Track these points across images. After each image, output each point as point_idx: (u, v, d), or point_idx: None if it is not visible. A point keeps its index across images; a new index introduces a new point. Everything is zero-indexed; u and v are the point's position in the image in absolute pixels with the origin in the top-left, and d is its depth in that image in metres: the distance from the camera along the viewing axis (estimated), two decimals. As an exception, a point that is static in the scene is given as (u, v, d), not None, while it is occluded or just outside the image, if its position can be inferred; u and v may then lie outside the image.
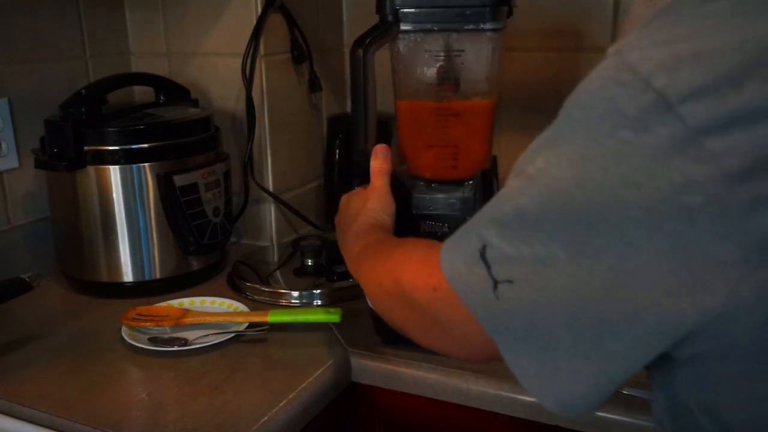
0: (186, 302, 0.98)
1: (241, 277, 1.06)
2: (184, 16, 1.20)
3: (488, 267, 0.46)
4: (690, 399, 0.46)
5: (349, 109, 1.31)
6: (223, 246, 1.12)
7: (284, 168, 1.24)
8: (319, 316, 0.91)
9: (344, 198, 0.85)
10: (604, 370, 0.44)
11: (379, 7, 0.85)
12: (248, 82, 1.15)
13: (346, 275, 1.03)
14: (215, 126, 1.11)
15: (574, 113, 0.43)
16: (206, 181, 1.04)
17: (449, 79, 0.87)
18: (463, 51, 0.85)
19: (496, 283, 0.46)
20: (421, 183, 0.89)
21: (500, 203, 0.47)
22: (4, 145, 1.07)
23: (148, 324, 0.91)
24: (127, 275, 1.03)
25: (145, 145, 1.00)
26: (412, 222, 0.89)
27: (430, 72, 0.87)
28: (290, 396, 0.77)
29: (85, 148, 0.99)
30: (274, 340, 0.89)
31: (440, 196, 0.88)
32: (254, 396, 0.77)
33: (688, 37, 0.39)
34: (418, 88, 0.88)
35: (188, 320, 0.92)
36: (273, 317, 0.90)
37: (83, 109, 0.99)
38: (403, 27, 0.85)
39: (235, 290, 1.05)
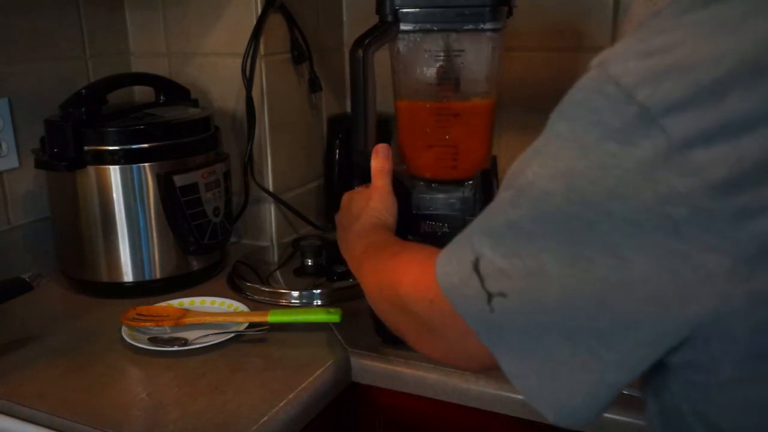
0: (186, 302, 0.98)
1: (241, 277, 1.06)
2: (184, 16, 1.20)
3: (481, 279, 0.47)
4: (683, 404, 0.46)
5: (349, 109, 1.31)
6: (223, 246, 1.12)
7: (284, 168, 1.24)
8: (319, 316, 0.91)
9: (346, 196, 0.85)
10: (602, 379, 0.44)
11: (379, 7, 0.85)
12: (248, 82, 1.15)
13: (346, 275, 1.03)
14: (215, 126, 1.11)
15: (560, 125, 0.44)
16: (206, 181, 1.04)
17: (449, 79, 0.87)
18: (462, 51, 0.85)
19: (490, 296, 0.46)
20: (421, 183, 0.89)
21: (492, 215, 0.48)
22: (4, 145, 1.07)
23: (148, 324, 0.91)
24: (127, 275, 1.03)
25: (145, 145, 1.00)
26: (411, 222, 0.89)
27: (430, 72, 0.87)
28: (290, 396, 0.77)
29: (85, 148, 0.99)
30: (274, 340, 0.89)
31: (440, 196, 0.88)
32: (254, 396, 0.77)
33: (669, 48, 0.39)
34: (418, 88, 0.88)
35: (188, 320, 0.92)
36: (273, 317, 0.90)
37: (83, 109, 0.99)
38: (403, 27, 0.85)
39: (235, 290, 1.05)
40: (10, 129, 1.07)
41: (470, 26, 0.83)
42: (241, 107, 1.18)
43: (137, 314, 0.93)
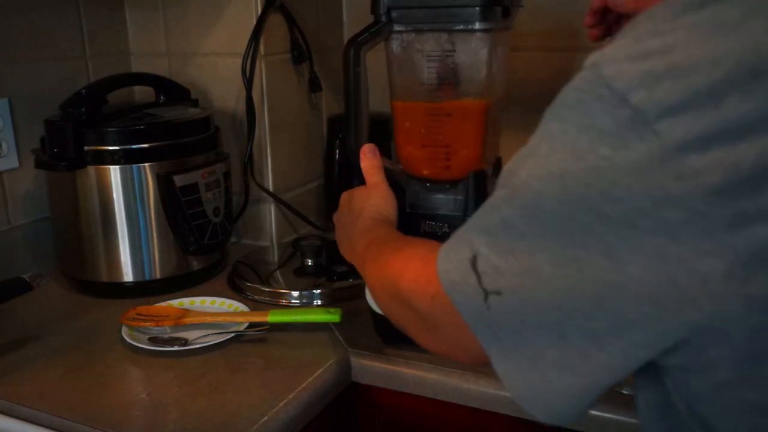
0: (186, 302, 0.98)
1: (241, 277, 1.06)
2: (184, 16, 1.20)
3: (479, 277, 0.47)
4: (679, 404, 0.46)
5: (349, 109, 1.31)
6: (223, 246, 1.12)
7: (284, 168, 1.24)
8: (319, 316, 0.91)
9: (345, 195, 0.85)
10: (591, 381, 0.44)
11: (373, 7, 0.85)
12: (248, 82, 1.15)
13: (346, 275, 1.03)
14: (215, 126, 1.11)
15: (553, 126, 0.43)
16: (206, 181, 1.04)
17: (442, 79, 0.87)
18: (455, 51, 0.85)
19: (486, 294, 0.46)
20: (416, 182, 0.89)
21: (488, 213, 0.48)
22: (4, 145, 1.07)
23: (148, 324, 0.91)
24: (127, 275, 1.03)
25: (145, 145, 1.00)
26: (405, 220, 0.89)
27: (423, 72, 0.87)
28: (290, 396, 0.77)
29: (85, 148, 0.99)
30: (274, 340, 0.89)
31: (434, 195, 0.88)
32: (254, 396, 0.77)
33: (664, 51, 0.39)
34: (412, 87, 0.88)
35: (188, 320, 0.92)
36: (273, 317, 0.90)
37: (83, 109, 0.99)
38: (396, 27, 0.85)
39: (235, 290, 1.05)
40: (10, 129, 1.07)
41: (461, 26, 0.83)
42: (241, 107, 1.18)
43: (137, 314, 0.93)
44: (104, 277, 1.03)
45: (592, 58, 0.42)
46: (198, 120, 1.07)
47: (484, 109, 0.87)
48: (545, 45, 1.21)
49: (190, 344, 0.87)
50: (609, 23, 0.78)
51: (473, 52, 0.85)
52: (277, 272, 1.12)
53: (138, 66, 1.27)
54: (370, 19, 0.86)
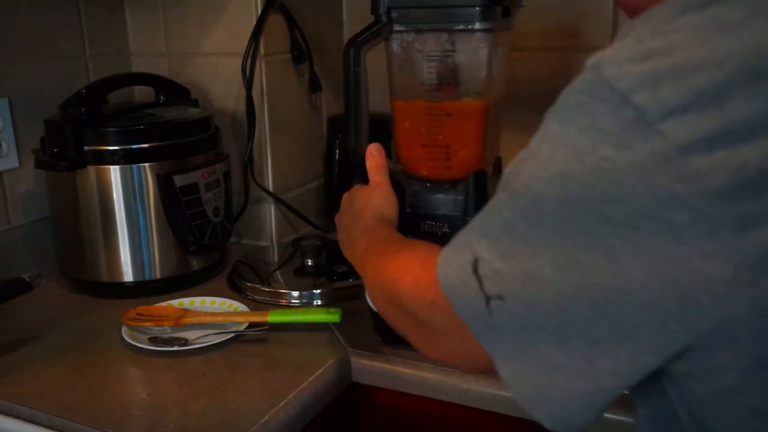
0: (186, 302, 0.98)
1: (241, 277, 1.06)
2: (184, 16, 1.20)
3: (480, 282, 0.46)
4: (680, 410, 0.46)
5: (349, 109, 1.31)
6: (223, 246, 1.12)
7: (284, 168, 1.24)
8: (319, 316, 0.91)
9: (346, 196, 0.85)
10: (598, 387, 0.44)
11: (374, 7, 0.85)
12: (248, 82, 1.15)
13: (346, 275, 1.03)
14: (215, 126, 1.11)
15: (554, 128, 0.43)
16: (206, 181, 1.04)
17: (442, 79, 0.87)
18: (455, 51, 0.85)
19: (488, 298, 0.46)
20: (416, 182, 0.89)
21: (488, 216, 0.47)
22: (4, 145, 1.07)
23: (148, 324, 0.91)
24: (127, 275, 1.03)
25: (145, 145, 1.00)
26: (405, 220, 0.89)
27: (423, 72, 0.87)
28: (290, 396, 0.77)
29: (85, 148, 0.99)
30: (274, 340, 0.89)
31: (434, 195, 0.88)
32: (254, 396, 0.77)
33: (666, 51, 0.39)
34: (412, 87, 0.88)
35: (188, 320, 0.92)
36: (273, 317, 0.90)
37: (83, 109, 0.99)
38: (396, 27, 0.85)
39: (235, 290, 1.05)
40: (10, 129, 1.07)
41: (461, 26, 0.83)
42: (241, 107, 1.18)
43: (137, 314, 0.93)
44: (104, 277, 1.03)
45: (593, 59, 0.42)
46: (198, 120, 1.07)
47: (484, 109, 0.87)
48: (545, 45, 1.21)
49: (190, 344, 0.87)
50: None
51: (473, 52, 0.85)
52: (277, 272, 1.12)
53: (138, 66, 1.27)
54: (370, 19, 0.86)
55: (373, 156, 0.83)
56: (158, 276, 1.04)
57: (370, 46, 0.84)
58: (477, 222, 0.49)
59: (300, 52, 1.23)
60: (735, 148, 0.37)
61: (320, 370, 0.82)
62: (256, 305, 0.99)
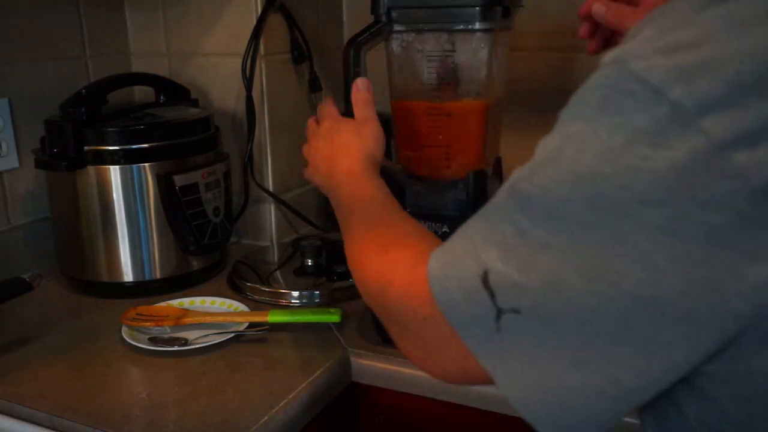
0: (186, 302, 0.98)
1: (241, 277, 1.06)
2: (184, 16, 1.20)
3: (492, 295, 0.42)
4: (690, 416, 0.44)
5: (349, 109, 1.31)
6: (223, 246, 1.12)
7: (284, 168, 1.24)
8: (319, 316, 0.91)
9: (329, 123, 0.78)
10: (618, 406, 0.41)
11: (373, 7, 0.85)
12: (248, 82, 1.15)
13: (346, 275, 1.03)
14: (215, 126, 1.11)
15: (577, 127, 0.40)
16: (206, 181, 1.04)
17: (442, 79, 0.87)
18: (455, 51, 0.85)
19: (500, 313, 0.42)
20: (416, 182, 0.89)
21: (495, 223, 0.44)
22: (4, 145, 1.06)
23: (148, 324, 0.91)
24: (127, 275, 1.03)
25: (145, 145, 1.00)
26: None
27: (423, 72, 0.87)
28: (290, 396, 0.77)
29: (85, 148, 0.99)
30: (274, 340, 0.89)
31: (434, 195, 0.88)
32: (254, 396, 0.77)
33: (699, 42, 0.37)
34: (412, 87, 0.88)
35: (188, 320, 0.92)
36: (273, 317, 0.90)
37: (83, 109, 0.99)
38: (396, 27, 0.85)
39: (235, 290, 1.05)
40: (10, 129, 1.07)
41: (461, 26, 0.83)
42: (241, 107, 1.18)
43: (137, 314, 0.93)
44: (104, 277, 1.03)
45: (612, 54, 0.39)
46: (198, 120, 1.07)
47: (484, 109, 0.87)
48: (545, 45, 1.21)
49: (190, 344, 0.87)
50: (605, 34, 0.76)
51: (473, 52, 0.85)
52: (277, 272, 1.12)
53: (138, 66, 1.27)
54: (370, 19, 0.86)
55: (360, 90, 0.77)
56: (158, 276, 1.04)
57: (370, 46, 0.84)
58: (478, 230, 0.45)
59: (300, 52, 1.23)
60: None
61: (320, 370, 0.82)
62: (256, 305, 0.99)
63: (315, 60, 1.26)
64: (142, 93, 1.23)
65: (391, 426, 0.89)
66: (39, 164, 1.02)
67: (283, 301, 1.00)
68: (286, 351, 0.87)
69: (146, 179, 1.00)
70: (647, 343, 0.38)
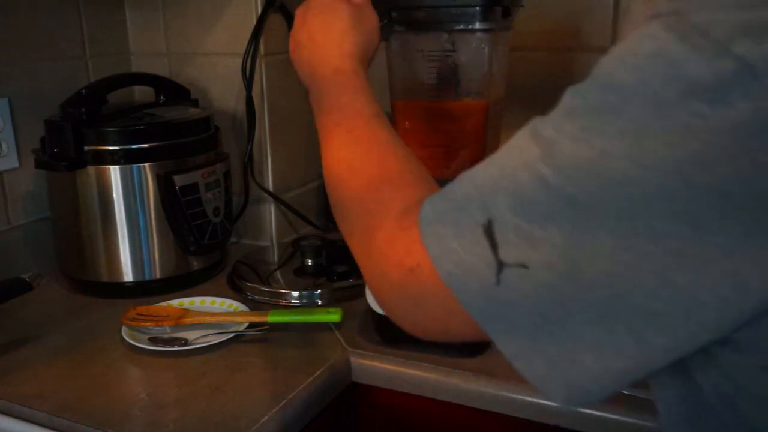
0: (186, 302, 0.98)
1: (241, 277, 1.06)
2: (184, 16, 1.20)
3: (494, 246, 0.40)
4: (714, 391, 0.42)
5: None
6: (223, 246, 1.12)
7: (284, 168, 1.24)
8: (319, 316, 0.91)
9: (317, 1, 0.71)
10: (639, 365, 0.39)
11: (374, 7, 0.85)
12: (248, 82, 1.15)
13: (346, 275, 1.03)
14: (215, 126, 1.11)
15: (621, 77, 0.37)
16: (206, 181, 1.04)
17: (441, 79, 0.87)
18: (455, 51, 0.85)
19: (501, 266, 0.40)
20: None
21: (511, 170, 0.40)
22: (4, 145, 1.06)
23: (148, 324, 0.91)
24: (127, 275, 1.03)
25: (145, 145, 1.00)
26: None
27: (423, 72, 0.87)
28: (290, 396, 0.77)
29: (85, 148, 0.99)
30: (274, 340, 0.89)
31: None
32: (254, 396, 0.77)
33: (764, 4, 0.34)
34: (412, 87, 0.89)
35: (188, 320, 0.92)
36: (273, 317, 0.90)
37: (83, 109, 0.99)
38: (396, 27, 0.85)
39: (235, 290, 1.05)
40: (10, 129, 1.07)
41: (461, 26, 0.83)
42: (241, 107, 1.18)
43: (137, 314, 0.93)
44: (104, 277, 1.03)
45: (668, 6, 0.37)
46: (198, 120, 1.07)
47: (484, 109, 0.87)
48: (545, 45, 1.21)
49: (190, 344, 0.87)
50: None
51: (473, 52, 0.85)
52: (277, 272, 1.12)
53: (138, 66, 1.27)
54: (370, 19, 0.86)
55: None
56: (158, 276, 1.04)
57: (371, 46, 0.84)
58: (487, 177, 0.42)
59: (300, 52, 1.22)
60: None
61: (320, 370, 0.82)
62: (256, 305, 0.99)
63: (315, 60, 1.26)
64: (142, 93, 1.23)
65: (391, 426, 0.89)
66: (39, 164, 1.02)
67: (283, 301, 1.00)
68: (286, 351, 0.87)
69: (146, 179, 1.00)
70: (681, 301, 0.36)
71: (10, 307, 0.91)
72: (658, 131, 0.35)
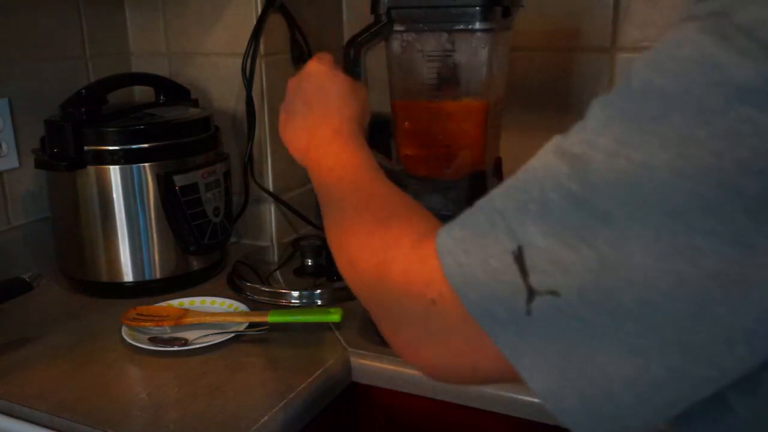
0: (186, 302, 0.98)
1: (241, 277, 1.06)
2: (184, 16, 1.20)
3: (524, 273, 0.37)
4: (744, 412, 0.39)
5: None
6: (223, 246, 1.12)
7: (284, 168, 1.24)
8: (319, 316, 0.91)
9: (318, 68, 0.71)
10: (679, 397, 0.37)
11: (373, 7, 0.85)
12: (248, 82, 1.15)
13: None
14: (215, 126, 1.11)
15: (662, 83, 0.35)
16: (206, 181, 1.04)
17: (442, 79, 0.87)
18: (454, 51, 0.85)
19: (532, 294, 0.37)
20: (416, 182, 0.89)
21: (538, 191, 0.38)
22: (4, 145, 1.07)
23: (148, 324, 0.91)
24: (127, 275, 1.03)
25: (145, 145, 1.00)
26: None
27: (423, 72, 0.87)
28: (290, 396, 0.77)
29: (85, 148, 0.99)
30: (274, 340, 0.89)
31: (434, 195, 0.88)
32: (254, 396, 0.77)
33: None
34: (412, 87, 0.89)
35: (188, 320, 0.92)
36: (273, 317, 0.90)
37: (83, 109, 0.99)
38: (396, 27, 0.85)
39: (235, 290, 1.05)
40: (10, 129, 1.07)
41: (461, 26, 0.83)
42: (241, 107, 1.18)
43: (137, 314, 0.93)
44: (104, 277, 1.03)
45: (706, 6, 0.35)
46: (198, 120, 1.07)
47: (484, 109, 0.87)
48: (545, 45, 1.21)
49: (190, 344, 0.87)
50: None
51: (473, 52, 0.85)
52: (277, 272, 1.12)
53: (138, 66, 1.27)
54: (370, 19, 0.86)
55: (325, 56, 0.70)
56: (158, 276, 1.04)
57: (370, 46, 0.84)
58: (509, 201, 0.40)
59: (300, 52, 1.23)
60: None
61: (320, 370, 0.82)
62: (256, 305, 0.99)
63: (315, 60, 1.26)
64: (142, 93, 1.24)
65: (391, 426, 0.89)
66: (39, 164, 1.02)
67: (283, 301, 1.00)
68: (286, 351, 0.87)
69: (146, 179, 1.00)
70: (724, 330, 0.34)
71: (10, 307, 0.91)
72: (703, 139, 0.33)
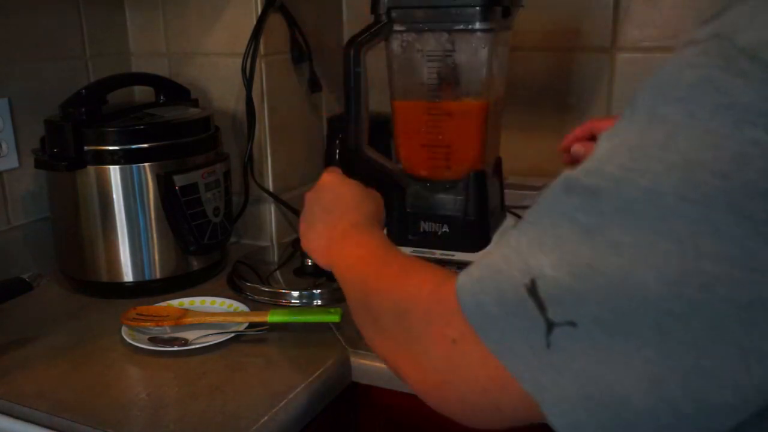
0: (186, 302, 0.98)
1: (241, 277, 1.06)
2: (184, 16, 1.20)
3: (541, 307, 0.37)
4: None
5: (349, 109, 1.31)
6: (223, 246, 1.12)
7: (284, 168, 1.24)
8: (319, 316, 0.91)
9: (331, 178, 0.75)
10: (702, 427, 0.36)
11: (373, 7, 0.86)
12: (248, 82, 1.15)
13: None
14: (215, 126, 1.11)
15: (668, 109, 0.35)
16: (206, 181, 1.04)
17: (442, 78, 0.87)
18: (455, 51, 0.85)
19: (550, 327, 0.37)
20: (416, 182, 0.89)
21: (549, 226, 0.39)
22: (4, 145, 1.07)
23: (148, 324, 0.91)
24: (127, 275, 1.03)
25: (145, 145, 1.00)
26: (405, 220, 0.89)
27: (423, 72, 0.87)
28: (290, 396, 0.77)
29: (85, 148, 0.99)
30: (274, 340, 0.89)
31: (434, 195, 0.89)
32: (254, 396, 0.77)
33: None
34: (412, 87, 0.89)
35: (188, 320, 0.92)
36: (273, 317, 0.90)
37: (83, 109, 0.99)
38: (396, 27, 0.85)
39: (235, 290, 1.05)
40: (10, 129, 1.07)
41: (461, 26, 0.83)
42: (241, 107, 1.18)
43: (137, 314, 0.93)
44: (104, 277, 1.03)
45: (707, 29, 0.35)
46: (198, 120, 1.07)
47: (484, 109, 0.87)
48: (545, 45, 1.21)
49: (190, 344, 0.87)
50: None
51: (473, 52, 0.85)
52: (277, 272, 1.12)
53: (138, 66, 1.27)
54: (370, 19, 0.86)
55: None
56: (158, 276, 1.04)
57: (370, 46, 0.84)
58: (523, 237, 0.40)
59: (300, 52, 1.23)
60: None
61: (320, 370, 0.82)
62: (256, 305, 0.99)
63: (315, 60, 1.26)
64: (142, 93, 1.24)
65: (391, 426, 0.89)
66: (39, 164, 1.02)
67: (283, 301, 1.00)
68: (286, 351, 0.87)
69: (146, 179, 1.00)
70: (741, 353, 0.33)
71: (10, 307, 0.91)
72: (710, 162, 0.33)
